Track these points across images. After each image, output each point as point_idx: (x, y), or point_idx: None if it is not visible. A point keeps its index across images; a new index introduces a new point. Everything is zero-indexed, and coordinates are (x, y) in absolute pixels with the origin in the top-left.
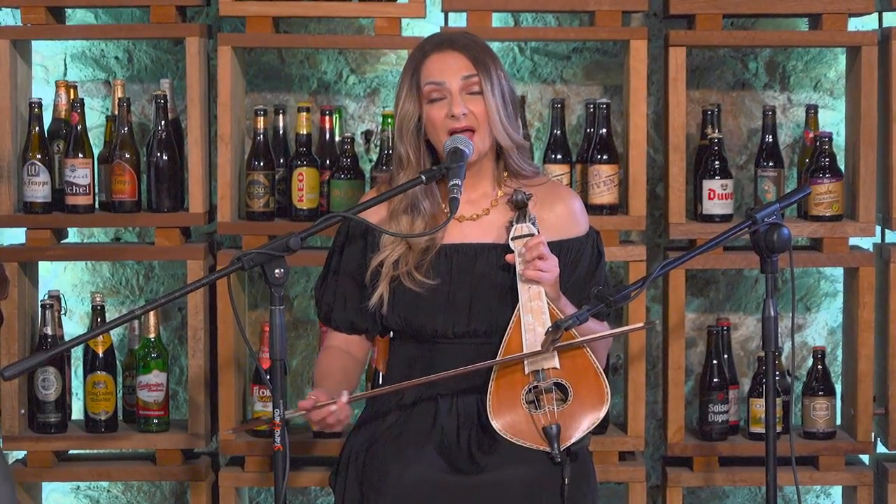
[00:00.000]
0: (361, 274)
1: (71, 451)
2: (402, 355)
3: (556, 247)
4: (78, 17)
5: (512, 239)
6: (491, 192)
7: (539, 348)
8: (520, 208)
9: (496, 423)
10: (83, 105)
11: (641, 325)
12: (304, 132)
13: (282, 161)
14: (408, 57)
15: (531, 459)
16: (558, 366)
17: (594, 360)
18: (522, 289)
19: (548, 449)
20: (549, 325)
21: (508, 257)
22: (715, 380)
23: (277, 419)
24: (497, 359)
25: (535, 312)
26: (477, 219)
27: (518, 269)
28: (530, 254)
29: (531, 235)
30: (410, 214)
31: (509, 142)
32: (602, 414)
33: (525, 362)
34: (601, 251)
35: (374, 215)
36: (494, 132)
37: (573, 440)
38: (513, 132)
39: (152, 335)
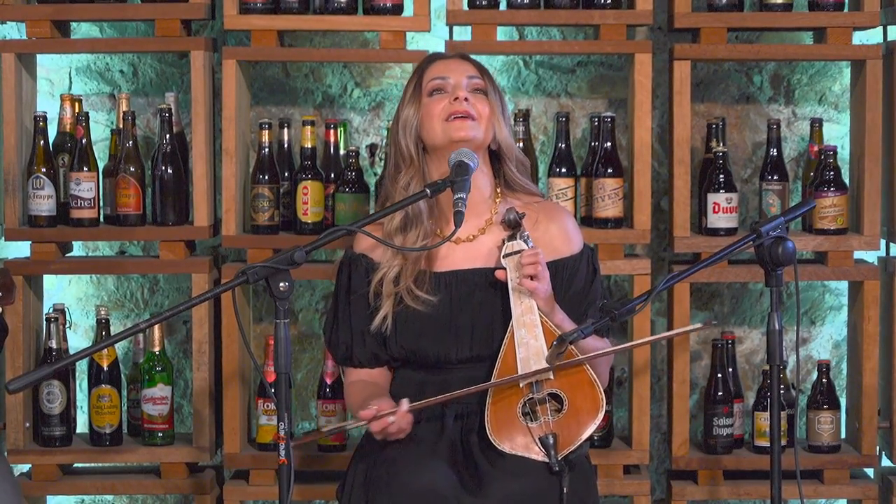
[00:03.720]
0: (370, 309)
1: (76, 465)
2: (410, 381)
3: (551, 266)
4: (83, 30)
5: (504, 256)
6: (486, 211)
7: (534, 362)
8: (513, 228)
9: (495, 438)
10: (88, 118)
11: (700, 325)
12: (309, 146)
13: (286, 174)
14: (413, 69)
15: (531, 471)
16: (553, 376)
17: (588, 369)
18: (515, 304)
19: (545, 459)
20: (543, 338)
21: (499, 273)
22: (719, 393)
23: (282, 433)
24: (500, 378)
25: (528, 326)
26: (473, 240)
27: (510, 284)
28: (524, 268)
29: (522, 251)
30: (404, 229)
31: (510, 141)
32: (598, 421)
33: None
34: (596, 268)
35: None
36: (497, 130)
37: (570, 449)
38: (513, 141)
39: (157, 348)
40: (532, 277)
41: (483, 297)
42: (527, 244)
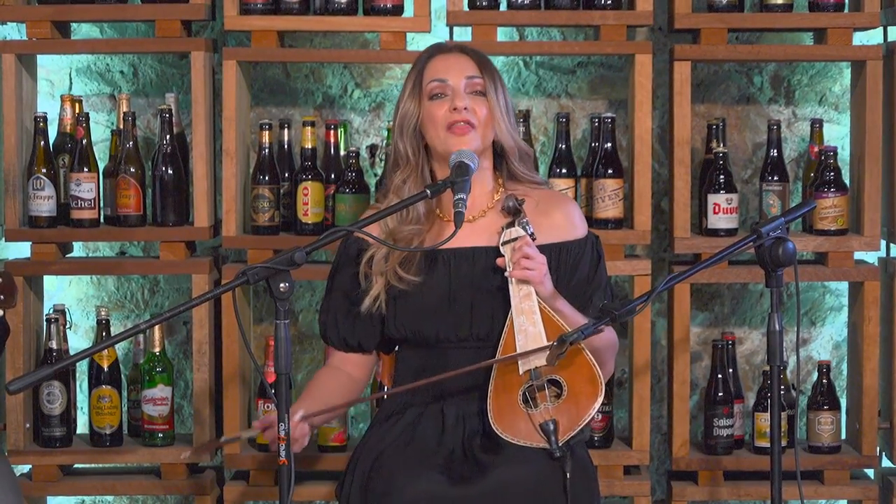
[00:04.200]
0: (354, 290)
1: (76, 465)
2: (409, 364)
3: (555, 249)
4: (83, 31)
5: (502, 244)
6: (488, 195)
7: (531, 347)
8: (513, 214)
9: (497, 428)
10: (88, 119)
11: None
12: (309, 146)
13: (287, 175)
14: (413, 61)
15: (533, 459)
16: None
17: (587, 354)
18: (513, 291)
19: (546, 445)
20: (542, 324)
21: (499, 261)
22: (720, 394)
23: (283, 434)
24: (491, 360)
25: (526, 313)
26: (473, 220)
27: (508, 271)
28: (516, 255)
29: (519, 237)
30: (402, 223)
31: (512, 142)
32: (597, 404)
33: (519, 362)
34: (601, 253)
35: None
36: (498, 131)
37: (571, 433)
38: (515, 135)
39: (157, 349)
40: (526, 258)
41: (483, 275)
42: (525, 230)
